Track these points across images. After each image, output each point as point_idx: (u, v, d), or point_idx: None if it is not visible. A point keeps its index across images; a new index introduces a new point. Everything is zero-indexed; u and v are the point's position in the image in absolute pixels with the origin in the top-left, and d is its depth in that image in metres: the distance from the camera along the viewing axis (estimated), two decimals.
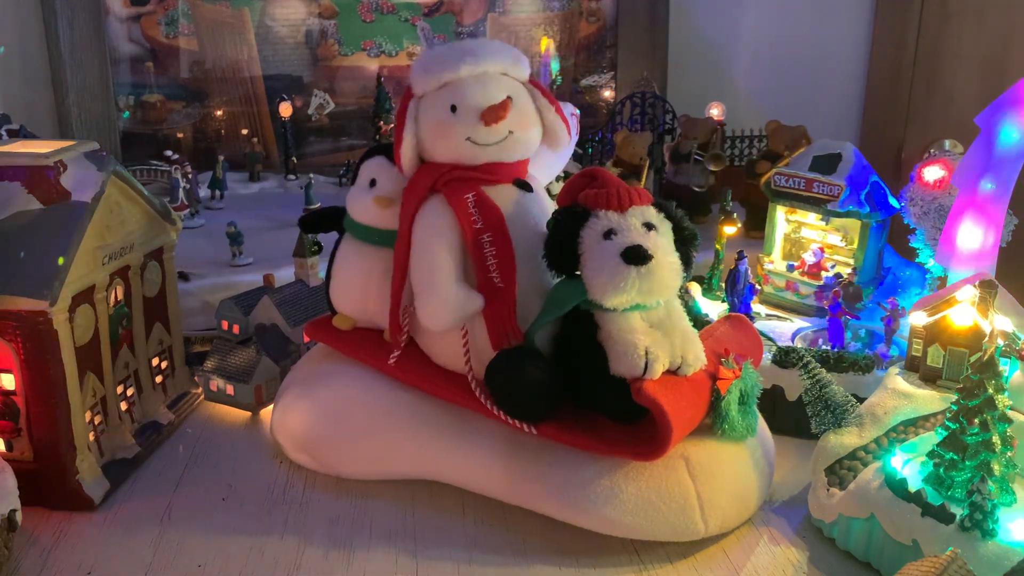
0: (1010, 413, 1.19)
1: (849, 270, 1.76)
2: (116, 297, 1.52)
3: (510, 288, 1.32)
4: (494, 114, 1.31)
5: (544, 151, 1.45)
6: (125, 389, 1.55)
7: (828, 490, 1.30)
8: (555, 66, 2.63)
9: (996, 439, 1.18)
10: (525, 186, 1.40)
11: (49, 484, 1.37)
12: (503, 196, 1.37)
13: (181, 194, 2.32)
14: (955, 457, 1.19)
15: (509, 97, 1.35)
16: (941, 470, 1.20)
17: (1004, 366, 1.20)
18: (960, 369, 1.40)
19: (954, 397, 1.23)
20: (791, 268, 1.88)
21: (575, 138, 1.49)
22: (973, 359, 1.20)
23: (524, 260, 1.34)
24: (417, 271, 1.36)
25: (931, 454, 1.23)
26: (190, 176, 2.40)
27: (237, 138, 2.72)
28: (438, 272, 1.32)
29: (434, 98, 1.36)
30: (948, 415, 1.21)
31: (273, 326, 1.77)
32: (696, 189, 2.30)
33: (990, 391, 1.17)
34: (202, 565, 1.27)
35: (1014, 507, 1.17)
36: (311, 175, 2.51)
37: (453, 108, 1.34)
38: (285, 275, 1.88)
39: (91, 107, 2.57)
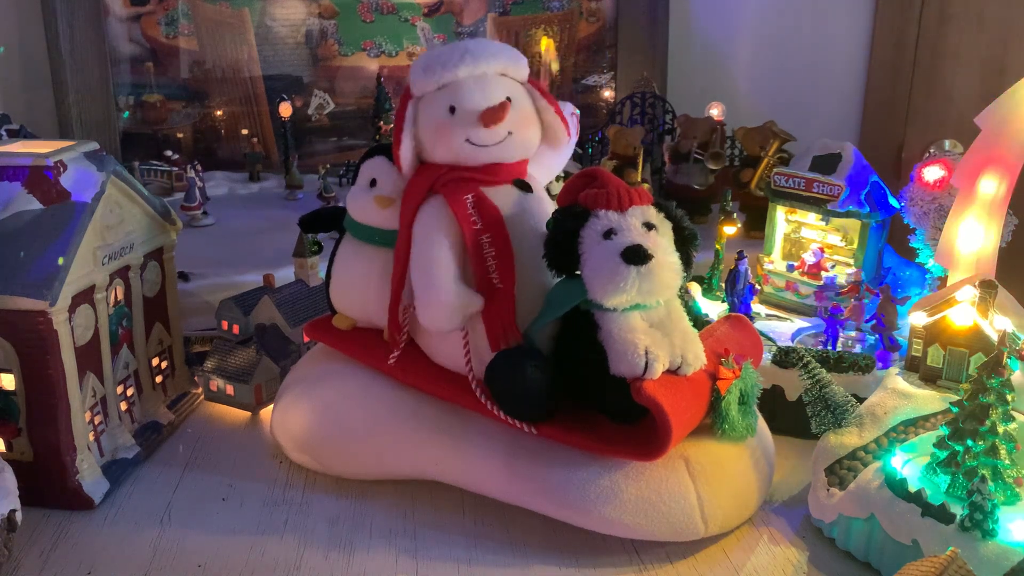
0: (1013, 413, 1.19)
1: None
2: (116, 297, 1.52)
3: (509, 288, 1.32)
4: (493, 116, 1.31)
5: (544, 151, 1.45)
6: (125, 389, 1.55)
7: (828, 490, 1.30)
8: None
9: (1001, 433, 1.18)
10: (525, 186, 1.40)
11: (49, 484, 1.37)
12: (503, 197, 1.37)
13: (197, 193, 2.32)
14: (958, 452, 1.19)
15: (508, 98, 1.35)
16: (943, 468, 1.20)
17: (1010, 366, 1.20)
18: (960, 369, 1.40)
19: (954, 397, 1.22)
20: (791, 268, 1.88)
21: (575, 138, 1.49)
22: (974, 357, 1.20)
23: (524, 260, 1.34)
24: (417, 272, 1.36)
25: (938, 445, 1.23)
26: (200, 174, 2.41)
27: (237, 138, 2.72)
28: (438, 273, 1.32)
29: (433, 99, 1.36)
30: (952, 407, 1.21)
31: (273, 326, 1.77)
32: (696, 187, 2.30)
33: (1005, 392, 1.17)
34: (202, 565, 1.27)
35: (1014, 507, 1.17)
36: (328, 166, 2.53)
37: (452, 109, 1.34)
38: (285, 275, 1.88)
39: (91, 107, 2.57)
